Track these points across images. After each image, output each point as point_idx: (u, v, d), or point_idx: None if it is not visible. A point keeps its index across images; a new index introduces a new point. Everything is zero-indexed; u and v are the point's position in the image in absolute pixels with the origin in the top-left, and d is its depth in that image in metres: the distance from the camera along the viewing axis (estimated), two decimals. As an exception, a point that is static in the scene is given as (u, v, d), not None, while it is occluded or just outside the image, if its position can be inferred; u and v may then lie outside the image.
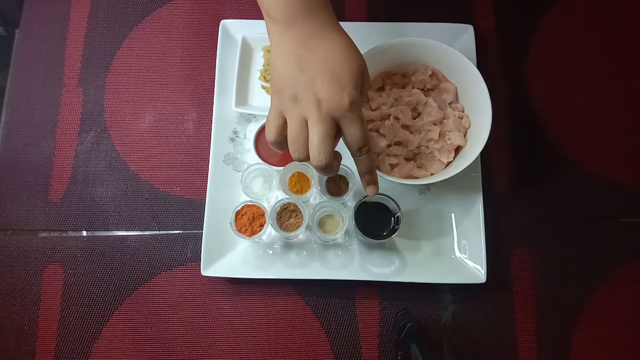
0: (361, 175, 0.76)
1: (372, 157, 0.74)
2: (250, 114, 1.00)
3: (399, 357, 0.92)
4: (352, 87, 0.67)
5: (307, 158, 0.70)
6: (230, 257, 0.95)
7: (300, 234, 0.94)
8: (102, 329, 0.96)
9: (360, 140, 0.70)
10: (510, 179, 1.01)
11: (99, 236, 1.01)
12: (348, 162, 0.91)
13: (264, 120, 0.97)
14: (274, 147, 0.73)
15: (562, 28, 1.08)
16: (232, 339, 0.95)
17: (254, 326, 0.96)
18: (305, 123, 0.68)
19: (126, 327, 0.96)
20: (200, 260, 0.93)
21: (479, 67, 0.90)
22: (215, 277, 0.95)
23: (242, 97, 1.00)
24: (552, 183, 1.01)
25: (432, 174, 0.92)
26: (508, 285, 0.97)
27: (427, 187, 0.98)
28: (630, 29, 1.08)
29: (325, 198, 0.92)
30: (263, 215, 0.90)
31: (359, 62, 0.70)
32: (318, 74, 0.67)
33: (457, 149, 0.94)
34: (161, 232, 1.00)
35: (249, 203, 0.91)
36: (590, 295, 0.97)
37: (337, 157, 0.72)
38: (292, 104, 0.69)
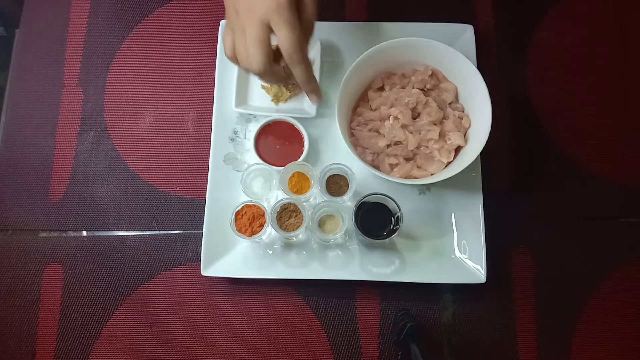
0: (300, 85, 0.81)
1: (307, 65, 0.78)
2: (250, 114, 1.00)
3: (399, 357, 0.92)
4: None
5: (254, 67, 0.74)
6: (230, 257, 0.95)
7: (300, 234, 0.94)
8: (102, 329, 0.96)
9: (289, 45, 0.72)
10: (510, 179, 1.01)
11: (99, 236, 1.01)
12: (348, 162, 0.92)
13: (264, 120, 0.97)
14: (233, 62, 0.78)
15: (562, 28, 1.08)
16: (232, 339, 0.96)
17: (254, 326, 0.96)
18: (244, 33, 0.73)
19: (126, 327, 0.96)
20: (200, 260, 0.93)
21: (478, 67, 0.90)
22: (215, 277, 0.95)
23: (242, 97, 1.00)
24: (552, 183, 1.01)
25: (432, 174, 0.92)
26: (508, 285, 0.97)
27: (427, 187, 0.98)
28: (631, 29, 1.08)
29: (325, 198, 0.92)
30: (263, 215, 0.90)
31: None
32: None
33: (457, 149, 0.94)
34: (161, 232, 1.00)
35: (249, 203, 0.91)
36: (590, 295, 0.97)
37: (275, 61, 0.77)
38: (235, 19, 0.74)
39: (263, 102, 1.01)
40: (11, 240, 1.01)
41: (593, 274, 0.98)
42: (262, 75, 0.76)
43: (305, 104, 1.00)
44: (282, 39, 0.72)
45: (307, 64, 0.77)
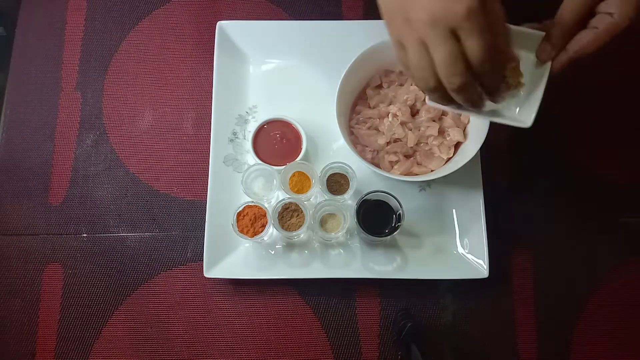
0: (488, 97, 0.70)
1: (499, 74, 0.69)
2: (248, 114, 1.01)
3: (399, 357, 0.92)
4: None
5: (438, 85, 0.64)
6: (233, 259, 0.95)
7: (302, 234, 0.94)
8: (102, 329, 0.96)
9: (479, 55, 0.61)
10: (510, 179, 1.01)
11: (98, 236, 1.00)
12: (348, 161, 0.92)
13: (262, 120, 0.97)
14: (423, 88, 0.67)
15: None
16: (232, 339, 0.95)
17: (254, 326, 0.96)
18: (425, 48, 0.62)
19: (126, 327, 0.96)
20: (200, 260, 0.93)
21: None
22: (215, 278, 0.94)
23: None
24: (552, 182, 1.01)
25: (432, 171, 0.92)
26: (508, 285, 0.97)
27: (428, 183, 0.98)
28: (632, 28, 1.08)
29: (326, 197, 0.92)
30: (265, 215, 0.90)
31: None
32: None
33: (457, 145, 0.94)
34: (161, 233, 1.00)
35: (250, 204, 0.91)
36: (590, 295, 0.97)
37: (498, 65, 0.65)
38: (405, 29, 0.63)
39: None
40: (11, 241, 1.01)
41: (593, 274, 0.98)
42: (460, 91, 0.64)
43: (522, 112, 0.80)
44: (471, 49, 0.60)
45: (498, 75, 0.69)
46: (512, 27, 0.74)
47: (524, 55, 0.76)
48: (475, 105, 0.69)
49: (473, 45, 0.60)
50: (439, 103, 0.71)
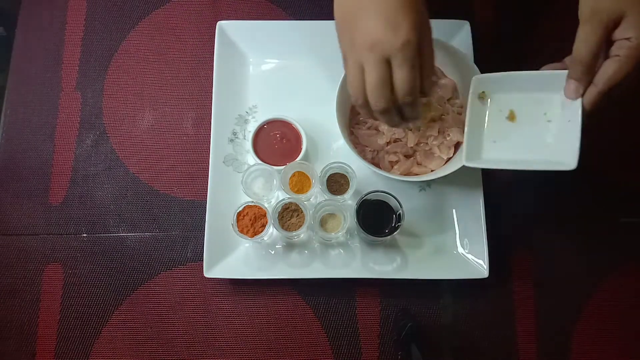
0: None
1: (418, 108, 0.72)
2: (247, 115, 1.01)
3: (399, 357, 0.92)
4: (409, 26, 0.64)
5: (365, 104, 0.70)
6: (233, 259, 0.95)
7: (302, 234, 0.94)
8: (102, 329, 0.96)
9: (404, 87, 0.67)
10: (510, 179, 1.01)
11: (99, 236, 1.00)
12: (348, 161, 0.92)
13: (262, 120, 0.97)
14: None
15: (561, 24, 1.08)
16: (232, 339, 0.95)
17: (254, 326, 0.96)
18: (361, 68, 0.67)
19: (126, 326, 0.96)
20: (200, 260, 0.93)
21: (476, 62, 0.90)
22: (215, 277, 0.94)
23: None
24: (553, 182, 1.01)
25: (432, 170, 0.92)
26: (508, 285, 0.97)
27: (428, 183, 0.98)
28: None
29: (326, 197, 0.92)
30: (265, 215, 0.90)
31: (419, 3, 0.67)
32: (371, 11, 0.64)
33: (457, 145, 0.94)
34: (161, 233, 1.00)
35: (250, 204, 0.91)
36: (590, 295, 0.97)
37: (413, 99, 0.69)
38: (349, 48, 0.68)
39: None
40: (11, 241, 1.01)
41: (593, 274, 0.98)
42: (383, 114, 0.71)
43: (566, 155, 0.76)
44: (398, 79, 0.66)
45: (418, 107, 0.72)
46: (536, 72, 0.78)
47: (555, 97, 0.77)
48: (394, 127, 0.80)
49: (402, 76, 0.66)
50: (368, 117, 0.78)
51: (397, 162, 0.93)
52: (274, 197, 0.96)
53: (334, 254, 0.95)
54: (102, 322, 0.97)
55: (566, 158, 0.75)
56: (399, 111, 0.73)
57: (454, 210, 0.97)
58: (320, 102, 0.97)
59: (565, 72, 0.73)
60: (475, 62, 0.91)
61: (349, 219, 0.90)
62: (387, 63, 0.66)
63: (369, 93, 0.68)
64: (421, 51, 0.67)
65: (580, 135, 0.74)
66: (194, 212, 1.01)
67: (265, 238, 0.95)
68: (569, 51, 0.69)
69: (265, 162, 0.95)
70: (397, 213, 0.87)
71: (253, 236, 0.89)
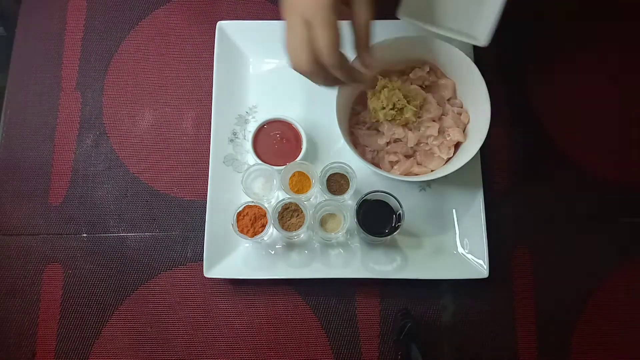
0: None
1: (347, 70, 0.73)
2: (249, 115, 1.01)
3: (399, 357, 0.92)
4: None
5: (295, 66, 0.71)
6: (233, 259, 0.95)
7: (302, 234, 0.94)
8: (102, 329, 0.96)
9: (322, 48, 0.68)
10: (510, 178, 1.01)
11: (99, 236, 1.00)
12: (348, 161, 0.92)
13: (262, 120, 0.98)
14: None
15: (562, 25, 1.09)
16: (232, 339, 0.95)
17: (254, 326, 0.96)
18: (287, 27, 0.71)
19: (126, 327, 0.96)
20: (200, 260, 0.93)
21: (477, 62, 0.91)
22: (215, 278, 0.94)
23: None
24: (552, 182, 1.01)
25: (432, 170, 0.92)
26: (508, 285, 0.97)
27: (428, 183, 0.98)
28: (633, 28, 1.08)
29: (326, 197, 0.92)
30: (265, 215, 0.90)
31: None
32: None
33: (457, 145, 0.94)
34: (161, 233, 1.00)
35: (250, 204, 0.91)
36: (590, 295, 0.97)
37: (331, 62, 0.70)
38: (283, 10, 0.71)
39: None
40: (11, 241, 1.01)
41: (593, 274, 0.98)
42: (304, 74, 0.73)
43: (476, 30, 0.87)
44: (316, 40, 0.68)
45: (346, 68, 0.73)
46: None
47: None
48: (328, 86, 0.78)
49: (318, 36, 0.67)
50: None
51: (397, 162, 0.93)
52: (274, 197, 0.96)
53: (334, 254, 0.95)
54: (102, 322, 0.96)
55: (480, 34, 0.79)
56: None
57: (454, 210, 0.96)
58: (320, 102, 0.97)
59: None
60: (475, 62, 0.91)
61: (349, 219, 0.90)
62: (307, 24, 0.67)
63: (290, 55, 0.71)
64: (353, 16, 0.71)
65: (499, 13, 0.77)
66: (194, 212, 1.01)
67: (265, 238, 0.95)
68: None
69: (265, 162, 0.95)
70: (397, 213, 0.87)
71: (253, 236, 0.89)
